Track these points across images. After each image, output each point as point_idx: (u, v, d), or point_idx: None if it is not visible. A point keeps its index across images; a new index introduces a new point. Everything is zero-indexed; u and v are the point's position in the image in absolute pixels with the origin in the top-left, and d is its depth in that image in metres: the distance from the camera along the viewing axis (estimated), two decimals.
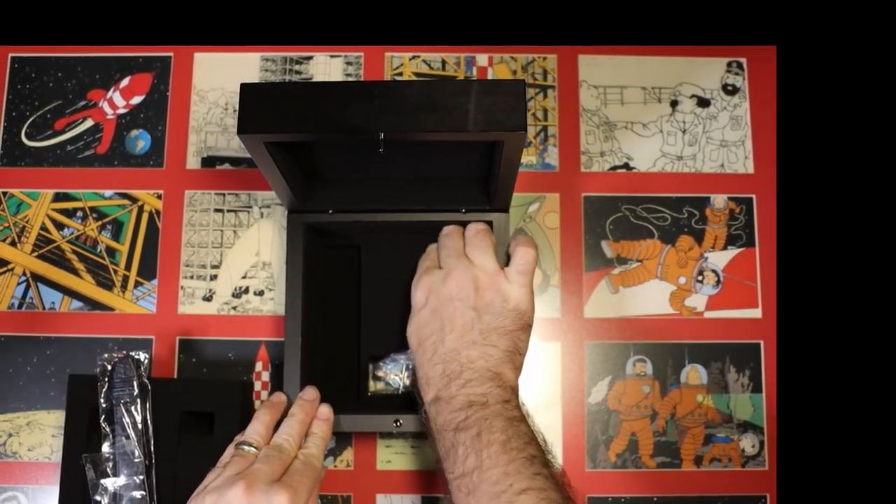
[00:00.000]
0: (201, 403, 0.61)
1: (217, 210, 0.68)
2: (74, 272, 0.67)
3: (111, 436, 0.58)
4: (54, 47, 0.70)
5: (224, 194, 0.68)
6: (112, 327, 0.66)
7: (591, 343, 0.65)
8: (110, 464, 0.57)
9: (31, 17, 0.70)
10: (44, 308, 0.66)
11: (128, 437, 0.58)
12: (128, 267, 0.67)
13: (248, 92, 0.48)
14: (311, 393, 0.58)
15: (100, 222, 0.68)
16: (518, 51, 0.70)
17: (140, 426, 0.58)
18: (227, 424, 0.59)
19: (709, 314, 0.66)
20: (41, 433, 0.64)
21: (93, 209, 0.68)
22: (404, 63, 0.70)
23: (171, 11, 0.69)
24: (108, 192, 0.68)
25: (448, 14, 0.69)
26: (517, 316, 0.56)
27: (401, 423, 0.59)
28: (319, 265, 0.64)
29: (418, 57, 0.70)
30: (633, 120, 0.69)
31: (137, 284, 0.66)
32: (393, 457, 0.64)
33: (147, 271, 0.67)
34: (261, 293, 0.66)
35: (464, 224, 0.62)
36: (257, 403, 0.64)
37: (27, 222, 0.68)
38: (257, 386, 0.64)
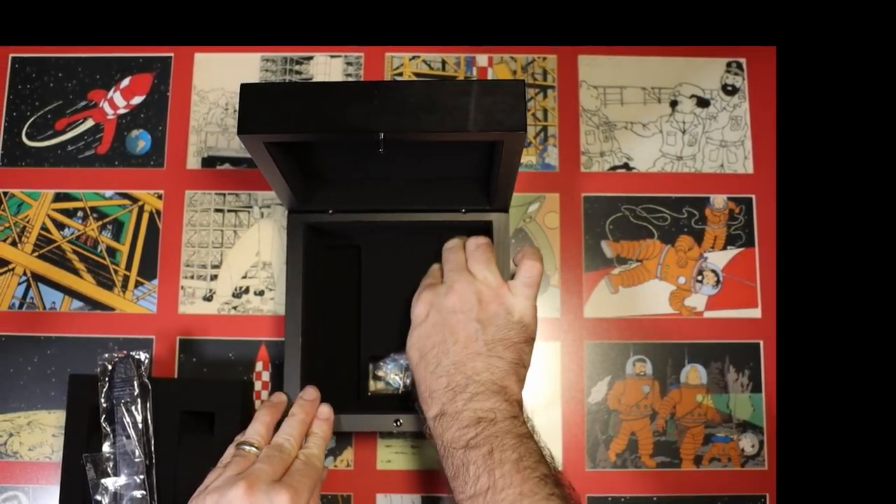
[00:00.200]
0: (202, 403, 0.61)
1: (217, 210, 0.68)
2: (75, 272, 0.67)
3: (112, 435, 0.58)
4: (55, 48, 0.70)
5: (224, 194, 0.68)
6: (112, 327, 0.66)
7: (591, 343, 0.65)
8: (111, 463, 0.58)
9: (32, 17, 0.70)
10: (44, 308, 0.66)
11: (128, 436, 0.58)
12: (128, 267, 0.67)
13: (249, 92, 0.48)
14: (311, 393, 0.58)
15: (100, 222, 0.68)
16: (518, 51, 0.70)
17: (140, 426, 0.58)
18: (227, 424, 0.59)
19: (708, 314, 0.66)
20: (42, 433, 0.64)
21: (93, 209, 0.68)
22: (404, 63, 0.70)
23: (172, 12, 0.69)
24: (108, 193, 0.68)
25: (448, 14, 0.69)
26: (522, 328, 0.55)
27: (401, 423, 0.59)
28: (319, 265, 0.64)
29: (418, 57, 0.70)
30: (632, 120, 0.69)
31: (138, 284, 0.67)
32: (393, 456, 0.64)
33: (147, 271, 0.67)
34: (261, 293, 0.66)
35: (465, 225, 0.62)
36: (257, 403, 0.64)
37: (28, 222, 0.68)
38: (257, 386, 0.65)
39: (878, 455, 0.44)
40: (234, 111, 0.69)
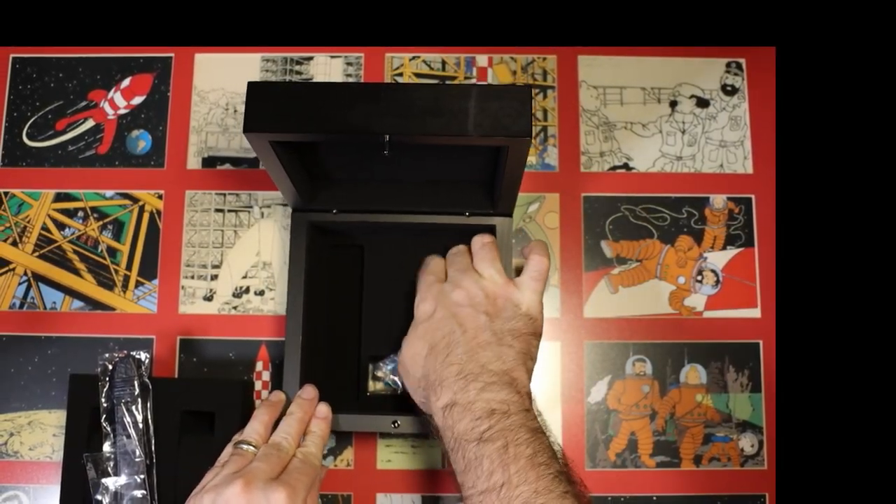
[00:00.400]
0: (202, 403, 0.61)
1: (218, 210, 0.68)
2: (75, 272, 0.67)
3: (112, 435, 0.58)
4: (55, 48, 0.70)
5: (225, 194, 0.68)
6: (113, 327, 0.66)
7: (591, 343, 0.66)
8: (111, 463, 0.58)
9: (33, 17, 0.70)
10: (45, 308, 0.66)
11: (129, 436, 0.58)
12: (129, 267, 0.67)
13: (255, 91, 0.48)
14: (309, 391, 0.58)
15: (101, 222, 0.68)
16: (518, 51, 0.70)
17: (141, 425, 0.58)
18: (227, 424, 0.59)
19: (708, 314, 0.66)
20: (42, 432, 0.64)
21: (94, 209, 0.68)
22: (404, 64, 0.70)
23: (172, 12, 0.69)
24: (109, 193, 0.68)
25: (448, 15, 0.69)
26: (530, 320, 0.55)
27: (399, 425, 0.60)
28: (322, 264, 0.64)
29: (418, 58, 0.70)
30: (632, 120, 0.69)
31: (138, 284, 0.67)
32: (393, 456, 0.64)
33: (148, 271, 0.67)
34: (261, 293, 0.66)
35: (468, 229, 0.62)
36: (258, 403, 0.64)
37: (28, 222, 0.68)
38: (258, 385, 0.65)
39: (877, 454, 0.44)
40: (235, 111, 0.69)
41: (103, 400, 0.59)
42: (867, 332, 0.46)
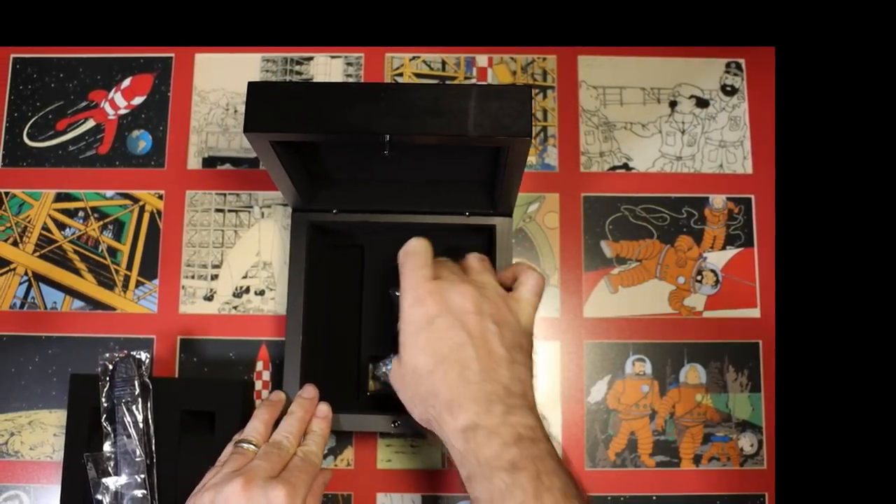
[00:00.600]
0: (202, 403, 0.61)
1: (218, 210, 0.68)
2: (76, 272, 0.67)
3: (112, 435, 0.58)
4: (56, 48, 0.71)
5: (225, 194, 0.68)
6: (113, 327, 0.66)
7: (591, 342, 0.66)
8: (111, 463, 0.58)
9: (33, 18, 0.70)
10: (45, 308, 0.66)
11: (129, 436, 0.58)
12: (129, 267, 0.67)
13: (256, 91, 0.48)
14: (310, 391, 0.58)
15: (101, 222, 0.68)
16: (518, 52, 0.70)
17: (141, 425, 0.58)
18: (227, 423, 0.59)
19: (708, 314, 0.66)
20: (43, 432, 0.64)
21: (94, 209, 0.68)
22: (404, 64, 0.70)
23: (173, 12, 0.69)
24: (109, 193, 0.68)
25: (448, 15, 0.69)
26: (528, 338, 0.53)
27: (398, 424, 0.60)
28: (322, 264, 0.64)
29: (418, 58, 0.70)
30: (632, 120, 0.69)
31: (139, 284, 0.67)
32: (393, 456, 0.64)
33: (148, 271, 0.67)
34: (261, 293, 0.66)
35: (468, 229, 0.62)
36: (258, 403, 0.64)
37: (29, 222, 0.68)
38: (258, 385, 0.65)
39: (877, 454, 0.45)
40: (235, 111, 0.70)
41: (104, 400, 0.59)
42: (867, 331, 0.46)
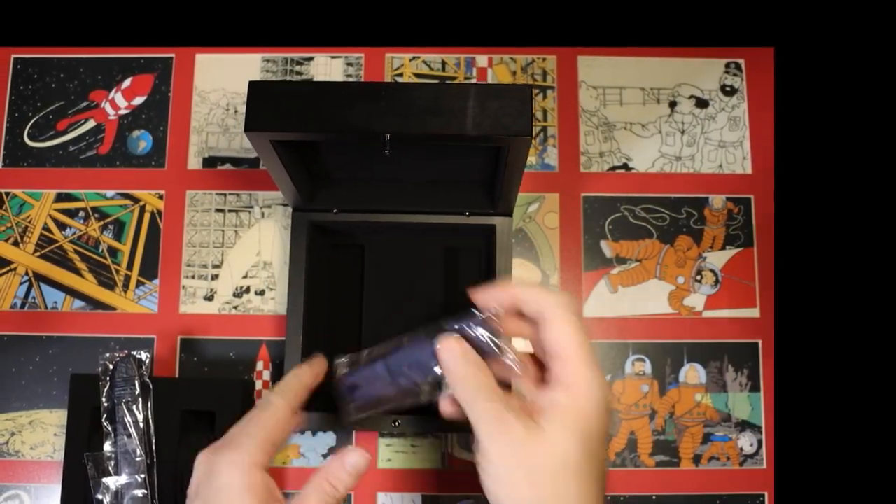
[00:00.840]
0: (202, 402, 0.61)
1: (218, 210, 0.68)
2: (76, 272, 0.67)
3: (113, 435, 0.58)
4: (57, 48, 0.71)
5: (225, 194, 0.68)
6: (114, 327, 0.66)
7: (590, 342, 0.66)
8: (112, 462, 0.58)
9: (34, 18, 0.70)
10: (46, 308, 0.66)
11: (129, 435, 0.58)
12: (129, 267, 0.67)
13: (256, 90, 0.48)
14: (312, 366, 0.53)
15: (102, 222, 0.68)
16: (518, 52, 0.70)
17: (141, 425, 0.59)
18: (228, 423, 0.59)
19: (707, 314, 0.66)
20: (43, 432, 0.64)
21: (95, 209, 0.68)
22: (404, 64, 0.70)
23: (173, 13, 0.69)
24: (109, 193, 0.68)
25: (448, 15, 0.69)
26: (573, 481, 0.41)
27: (399, 424, 0.60)
28: (322, 264, 0.65)
29: (418, 58, 0.71)
30: (631, 120, 0.69)
31: (139, 284, 0.67)
32: (393, 455, 0.64)
33: (149, 271, 0.67)
34: (262, 293, 0.66)
35: (468, 228, 0.62)
36: (258, 402, 0.64)
37: (29, 222, 0.68)
38: (258, 385, 0.65)
39: (876, 454, 0.45)
40: (236, 111, 0.70)
41: (104, 399, 0.59)
42: (866, 331, 0.46)
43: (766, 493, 0.64)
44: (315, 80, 0.70)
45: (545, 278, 0.67)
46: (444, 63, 0.71)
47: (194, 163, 0.69)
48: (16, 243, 0.68)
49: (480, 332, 0.44)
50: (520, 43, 0.70)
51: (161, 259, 0.67)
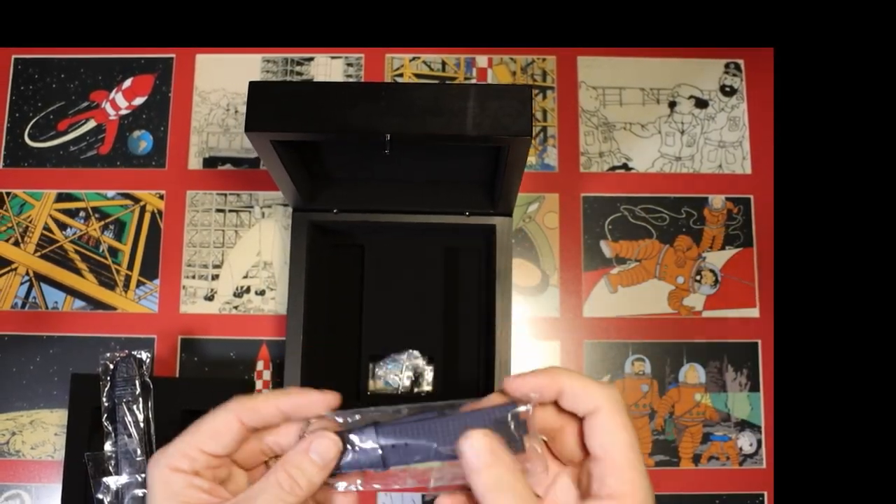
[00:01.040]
0: (203, 402, 0.60)
1: (219, 210, 0.68)
2: (77, 272, 0.67)
3: (113, 434, 0.58)
4: (57, 49, 0.71)
5: (226, 194, 0.68)
6: (114, 327, 0.66)
7: (590, 342, 0.66)
8: (112, 462, 0.58)
9: (35, 18, 0.70)
10: (47, 307, 0.67)
11: (130, 435, 0.58)
12: (130, 267, 0.67)
13: (257, 90, 0.48)
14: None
15: (102, 222, 0.68)
16: (517, 52, 0.71)
17: (142, 425, 0.59)
18: None
19: (707, 314, 0.66)
20: (44, 432, 0.64)
21: (95, 209, 0.68)
22: (404, 64, 0.71)
23: (173, 13, 0.69)
24: (110, 193, 0.69)
25: (448, 16, 0.69)
26: None
27: None
28: (322, 264, 0.65)
29: (418, 58, 0.71)
30: (631, 121, 0.69)
31: (139, 284, 0.67)
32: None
33: (149, 271, 0.67)
34: (262, 293, 0.66)
35: (468, 228, 0.62)
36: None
37: (30, 222, 0.68)
38: (258, 385, 0.65)
39: (876, 453, 0.45)
40: (236, 112, 0.70)
41: (104, 399, 0.59)
42: (865, 331, 0.46)
43: (765, 493, 0.64)
44: (315, 80, 0.70)
45: (545, 278, 0.67)
46: (444, 63, 0.71)
47: (195, 163, 0.69)
48: (16, 243, 0.68)
49: (508, 423, 0.36)
50: (520, 43, 0.70)
51: (161, 259, 0.67)
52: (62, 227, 0.68)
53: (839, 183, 0.49)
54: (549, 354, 0.65)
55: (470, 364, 0.65)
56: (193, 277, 0.67)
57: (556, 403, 0.37)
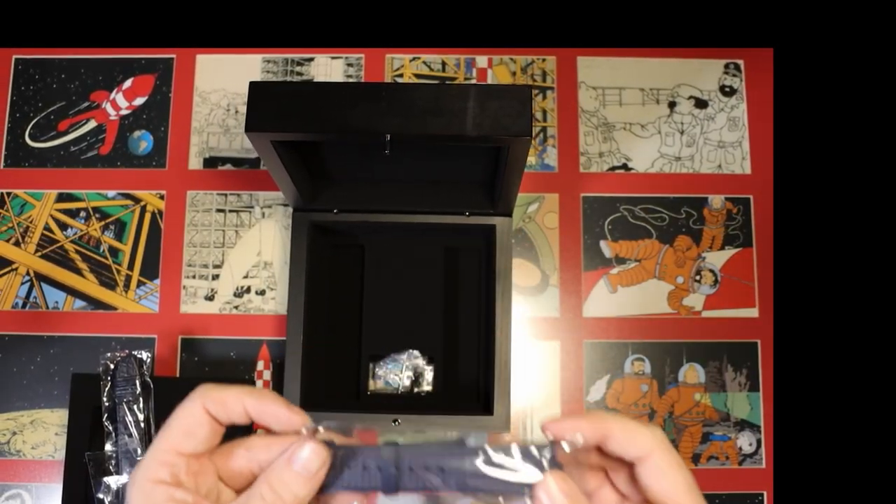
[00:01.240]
0: None
1: (219, 210, 0.68)
2: (78, 272, 0.67)
3: (114, 434, 0.58)
4: (58, 49, 0.71)
5: (226, 194, 0.68)
6: (115, 326, 0.66)
7: (590, 342, 0.66)
8: (113, 462, 0.58)
9: (35, 19, 0.70)
10: (47, 307, 0.67)
11: (130, 435, 0.58)
12: (130, 267, 0.67)
13: (257, 90, 0.49)
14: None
15: (103, 222, 0.68)
16: (517, 53, 0.71)
17: (142, 424, 0.59)
18: None
19: (706, 313, 0.66)
20: (45, 431, 0.65)
21: (96, 209, 0.68)
22: (405, 65, 0.71)
23: (174, 14, 0.70)
24: (110, 193, 0.69)
25: (448, 16, 0.69)
26: None
27: (399, 423, 0.60)
28: (323, 264, 0.65)
29: (419, 59, 0.71)
30: (631, 121, 0.70)
31: (140, 284, 0.67)
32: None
33: (149, 271, 0.67)
34: (262, 292, 0.67)
35: (468, 229, 0.63)
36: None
37: (31, 222, 0.68)
38: (259, 384, 0.65)
39: (875, 453, 0.45)
40: (236, 112, 0.70)
41: (105, 399, 0.59)
42: (865, 331, 0.47)
43: (764, 493, 0.64)
44: (315, 80, 0.70)
45: (545, 278, 0.67)
46: (444, 64, 0.71)
47: (195, 163, 0.69)
48: (17, 243, 0.68)
49: (539, 459, 0.35)
50: (520, 43, 0.70)
51: (162, 259, 0.67)
52: (63, 227, 0.68)
53: (839, 183, 0.49)
54: (549, 354, 0.66)
55: (470, 364, 0.65)
56: (194, 277, 0.67)
57: (597, 448, 0.36)
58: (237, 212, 0.68)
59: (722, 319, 0.66)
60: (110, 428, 0.59)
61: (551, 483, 0.33)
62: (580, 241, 0.67)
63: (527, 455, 0.34)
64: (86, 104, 0.70)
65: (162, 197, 0.68)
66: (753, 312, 0.66)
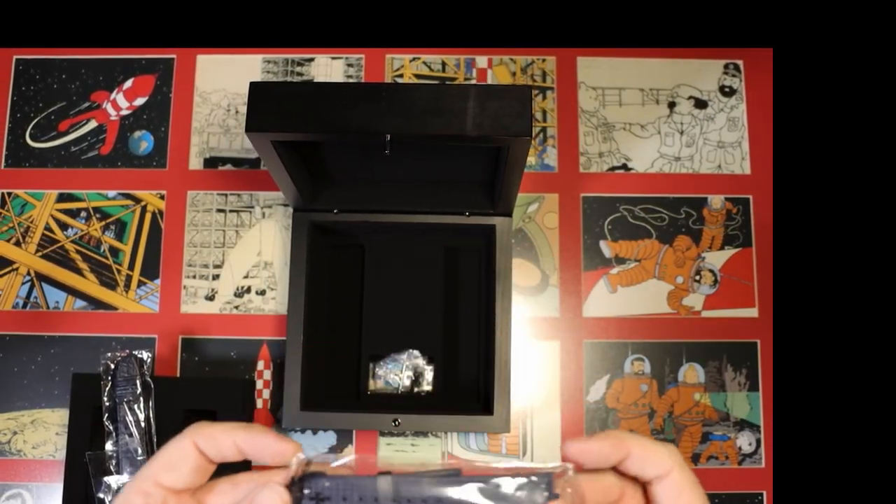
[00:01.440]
0: (204, 401, 0.61)
1: (219, 210, 0.68)
2: (78, 272, 0.67)
3: (114, 434, 0.58)
4: (58, 49, 0.71)
5: (226, 195, 0.68)
6: (115, 326, 0.66)
7: (590, 342, 0.66)
8: (113, 461, 0.58)
9: (36, 19, 0.70)
10: (48, 307, 0.67)
11: (131, 435, 0.58)
12: (131, 267, 0.67)
13: (257, 90, 0.49)
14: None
15: (103, 222, 0.68)
16: (517, 53, 0.71)
17: (143, 424, 0.59)
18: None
19: (706, 313, 0.66)
20: (45, 431, 0.65)
21: (96, 209, 0.68)
22: (405, 65, 0.71)
23: (174, 14, 0.70)
24: (111, 193, 0.69)
25: (448, 16, 0.69)
26: None
27: (399, 423, 0.60)
28: (323, 264, 0.65)
29: (419, 59, 0.71)
30: (631, 121, 0.70)
31: (140, 284, 0.67)
32: (394, 454, 0.64)
33: (150, 271, 0.67)
34: (262, 292, 0.67)
35: (468, 229, 0.63)
36: (259, 402, 0.65)
37: (31, 223, 0.68)
38: (259, 384, 0.65)
39: (874, 453, 0.45)
40: (237, 112, 0.70)
41: (105, 399, 0.59)
42: (864, 331, 0.47)
43: (764, 492, 0.64)
44: (316, 80, 0.70)
45: (545, 278, 0.67)
46: (444, 64, 0.71)
47: (195, 163, 0.69)
48: (18, 243, 0.68)
49: (539, 485, 0.34)
50: (519, 44, 0.70)
51: (162, 259, 0.67)
52: (63, 227, 0.68)
53: (838, 183, 0.49)
54: (549, 354, 0.66)
55: (470, 364, 0.65)
56: (194, 277, 0.67)
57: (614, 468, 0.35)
58: (237, 212, 0.68)
59: (721, 319, 0.66)
60: (111, 428, 0.59)
61: None
62: (580, 241, 0.67)
63: (523, 487, 0.33)
64: (86, 104, 0.70)
65: (162, 197, 0.68)
66: (753, 312, 0.66)
